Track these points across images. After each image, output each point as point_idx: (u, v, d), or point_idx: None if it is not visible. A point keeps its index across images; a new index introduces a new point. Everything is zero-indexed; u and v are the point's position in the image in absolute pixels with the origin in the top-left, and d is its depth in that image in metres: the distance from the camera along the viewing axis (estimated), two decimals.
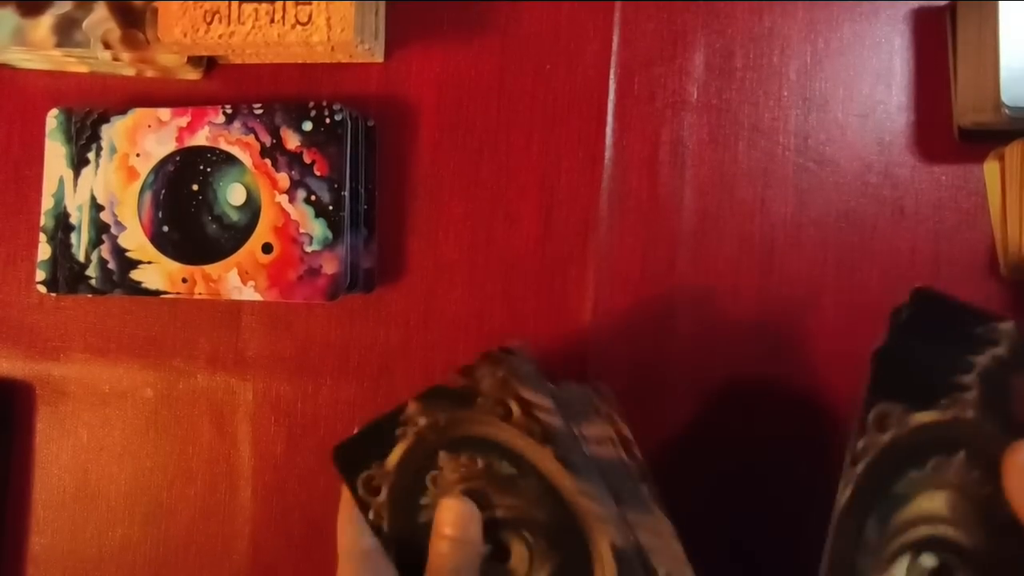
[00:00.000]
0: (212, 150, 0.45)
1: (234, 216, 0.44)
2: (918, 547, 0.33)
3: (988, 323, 0.35)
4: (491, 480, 0.35)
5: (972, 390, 0.34)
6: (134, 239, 0.45)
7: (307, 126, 0.44)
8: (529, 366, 0.35)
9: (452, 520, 0.34)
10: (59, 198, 0.46)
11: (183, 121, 0.45)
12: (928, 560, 0.33)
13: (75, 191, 0.46)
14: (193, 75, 0.48)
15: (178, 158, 0.45)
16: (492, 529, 0.34)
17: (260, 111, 0.44)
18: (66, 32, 0.46)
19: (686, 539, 0.35)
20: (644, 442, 0.37)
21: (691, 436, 0.44)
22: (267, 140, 0.44)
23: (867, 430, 0.34)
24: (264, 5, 0.42)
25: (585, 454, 0.34)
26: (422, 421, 0.35)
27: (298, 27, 0.42)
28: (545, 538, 0.34)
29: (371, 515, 0.36)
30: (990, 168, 0.42)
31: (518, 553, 0.34)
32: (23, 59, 0.48)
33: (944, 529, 0.33)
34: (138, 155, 0.45)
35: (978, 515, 0.33)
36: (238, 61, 0.48)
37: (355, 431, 0.37)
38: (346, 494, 0.36)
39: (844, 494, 0.34)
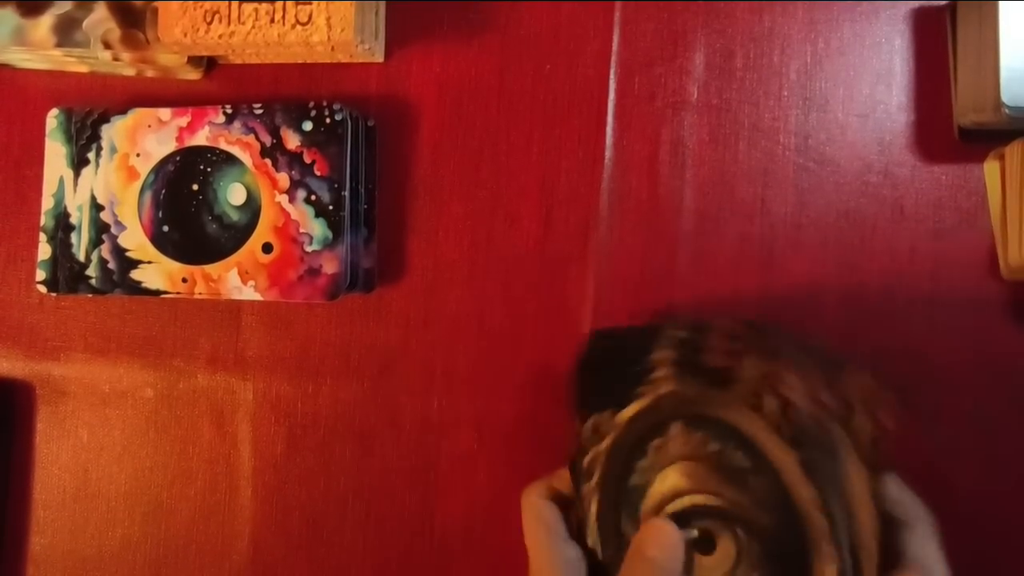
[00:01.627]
0: (212, 150, 0.45)
1: (234, 216, 0.44)
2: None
3: (662, 326, 0.36)
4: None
5: (663, 368, 0.34)
6: (134, 239, 0.45)
7: (307, 126, 0.44)
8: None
9: (658, 543, 0.31)
10: (59, 198, 0.46)
11: (183, 121, 0.45)
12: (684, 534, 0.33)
13: (75, 191, 0.46)
14: (193, 75, 0.48)
15: (178, 158, 0.45)
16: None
17: (260, 111, 0.44)
18: (66, 32, 0.46)
19: None
20: None
21: None
22: (267, 140, 0.44)
23: (586, 444, 0.34)
24: (264, 5, 0.42)
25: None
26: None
27: (298, 27, 0.42)
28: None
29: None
30: (990, 168, 0.42)
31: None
32: (23, 59, 0.48)
33: (689, 499, 0.33)
34: (138, 155, 0.45)
35: (715, 472, 0.32)
36: (238, 61, 0.48)
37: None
38: (536, 507, 0.34)
39: (591, 509, 0.34)
